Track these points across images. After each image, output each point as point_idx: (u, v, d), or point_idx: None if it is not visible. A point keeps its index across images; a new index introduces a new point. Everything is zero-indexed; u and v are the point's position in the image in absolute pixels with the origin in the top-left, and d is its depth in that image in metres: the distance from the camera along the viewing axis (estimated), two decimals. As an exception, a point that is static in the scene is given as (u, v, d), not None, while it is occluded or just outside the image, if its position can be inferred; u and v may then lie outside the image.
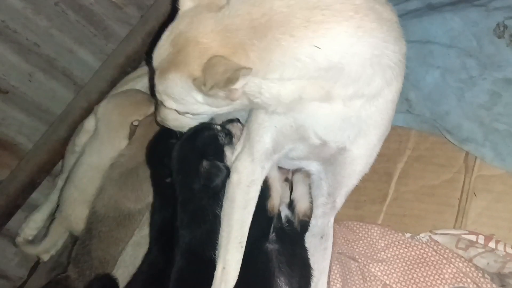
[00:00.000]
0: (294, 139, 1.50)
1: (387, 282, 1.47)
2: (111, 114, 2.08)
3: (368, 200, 1.71)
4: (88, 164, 2.12)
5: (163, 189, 1.84)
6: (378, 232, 1.58)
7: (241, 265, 1.49)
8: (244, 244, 1.50)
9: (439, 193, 1.58)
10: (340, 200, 1.61)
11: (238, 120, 1.66)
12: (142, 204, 1.94)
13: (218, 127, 1.62)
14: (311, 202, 1.64)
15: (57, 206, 2.23)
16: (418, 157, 1.68)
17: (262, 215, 1.58)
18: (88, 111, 2.39)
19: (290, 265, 1.53)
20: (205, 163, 1.58)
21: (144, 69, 2.44)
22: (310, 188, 1.67)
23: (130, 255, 1.96)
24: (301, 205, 1.62)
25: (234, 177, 1.52)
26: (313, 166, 1.64)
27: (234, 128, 1.64)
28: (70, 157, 2.36)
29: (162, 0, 2.44)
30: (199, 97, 1.37)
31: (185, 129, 1.65)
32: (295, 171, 1.71)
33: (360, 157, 1.52)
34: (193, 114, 1.53)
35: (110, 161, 2.03)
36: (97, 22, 2.44)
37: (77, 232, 2.10)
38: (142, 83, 2.34)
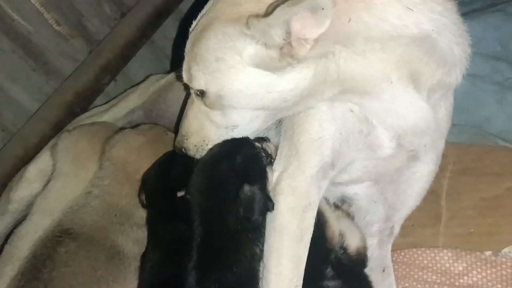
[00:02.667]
0: (360, 149, 1.22)
1: (488, 309, 1.19)
2: (79, 142, 1.62)
3: (417, 224, 1.47)
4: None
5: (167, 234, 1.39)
6: (450, 255, 1.34)
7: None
8: None
9: (505, 203, 1.39)
10: (398, 225, 1.38)
11: (268, 139, 1.34)
12: (141, 249, 1.43)
13: (259, 144, 1.28)
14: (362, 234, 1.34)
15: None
16: (464, 170, 1.51)
17: (316, 247, 1.23)
18: (24, 160, 1.87)
19: (364, 302, 1.19)
20: (246, 189, 1.20)
21: (96, 109, 2.03)
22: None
23: None
24: (352, 239, 1.30)
25: (283, 202, 1.19)
26: (360, 190, 1.38)
27: (269, 148, 1.31)
28: (-1, 221, 1.78)
29: (118, 30, 2.12)
30: (247, 51, 1.05)
31: (205, 149, 1.28)
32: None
33: (430, 171, 1.32)
34: (225, 102, 1.16)
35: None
36: (37, 54, 2.00)
37: None
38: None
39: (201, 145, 1.26)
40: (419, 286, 1.32)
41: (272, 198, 1.21)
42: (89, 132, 1.72)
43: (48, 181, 1.65)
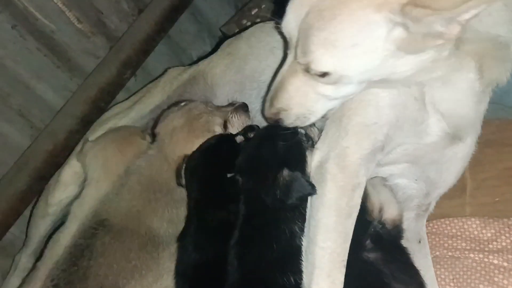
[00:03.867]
0: (409, 135, 1.26)
1: (521, 270, 1.24)
2: (107, 149, 1.67)
3: (444, 196, 1.51)
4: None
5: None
6: (478, 222, 1.38)
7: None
8: (346, 263, 1.19)
9: (529, 171, 1.43)
10: (435, 201, 1.43)
11: (314, 124, 1.37)
12: (174, 229, 1.48)
13: (301, 130, 1.32)
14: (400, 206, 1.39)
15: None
16: (487, 142, 1.54)
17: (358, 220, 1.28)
18: (54, 155, 1.93)
19: (405, 272, 1.24)
20: (285, 173, 1.26)
21: (120, 106, 2.08)
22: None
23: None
24: (391, 211, 1.35)
25: (332, 180, 1.21)
26: (397, 170, 1.41)
27: (312, 133, 1.35)
28: (40, 223, 1.84)
29: (137, 26, 2.17)
30: (391, 37, 1.02)
31: (308, 119, 1.25)
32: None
33: (470, 151, 1.38)
34: (347, 80, 1.13)
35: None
36: (60, 52, 2.06)
37: None
38: (125, 120, 1.95)
39: (304, 115, 1.23)
40: (449, 253, 1.37)
41: (319, 176, 1.24)
42: (116, 138, 1.77)
43: (82, 187, 1.72)
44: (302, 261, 1.22)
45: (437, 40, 1.01)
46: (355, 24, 1.02)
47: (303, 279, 1.20)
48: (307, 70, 1.13)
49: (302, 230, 1.25)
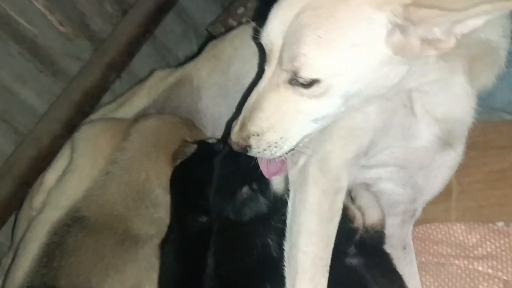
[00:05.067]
0: (396, 139, 1.24)
1: (506, 278, 1.24)
2: (100, 137, 1.65)
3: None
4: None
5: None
6: (463, 227, 1.38)
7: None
8: (328, 268, 1.18)
9: (514, 175, 1.43)
10: (421, 208, 1.41)
11: None
12: (157, 229, 1.45)
13: None
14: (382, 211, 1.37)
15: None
16: (472, 145, 1.52)
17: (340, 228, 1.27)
18: (38, 160, 1.91)
19: (386, 278, 1.23)
20: (244, 191, 1.27)
21: (105, 108, 2.06)
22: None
23: None
24: (372, 214, 1.34)
25: (314, 184, 1.19)
26: (385, 174, 1.38)
27: None
28: (25, 226, 1.80)
29: (121, 27, 2.14)
30: (391, 39, 0.96)
31: (280, 149, 1.10)
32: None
33: (458, 160, 1.35)
34: (335, 90, 1.02)
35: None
36: (43, 56, 2.03)
37: None
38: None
39: (276, 143, 1.09)
40: (435, 260, 1.36)
41: (301, 180, 1.22)
42: (112, 129, 1.71)
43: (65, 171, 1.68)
44: (285, 266, 1.21)
45: (432, 49, 0.96)
46: (356, 22, 0.94)
47: (286, 284, 1.19)
48: (291, 80, 1.02)
49: (274, 241, 1.25)
